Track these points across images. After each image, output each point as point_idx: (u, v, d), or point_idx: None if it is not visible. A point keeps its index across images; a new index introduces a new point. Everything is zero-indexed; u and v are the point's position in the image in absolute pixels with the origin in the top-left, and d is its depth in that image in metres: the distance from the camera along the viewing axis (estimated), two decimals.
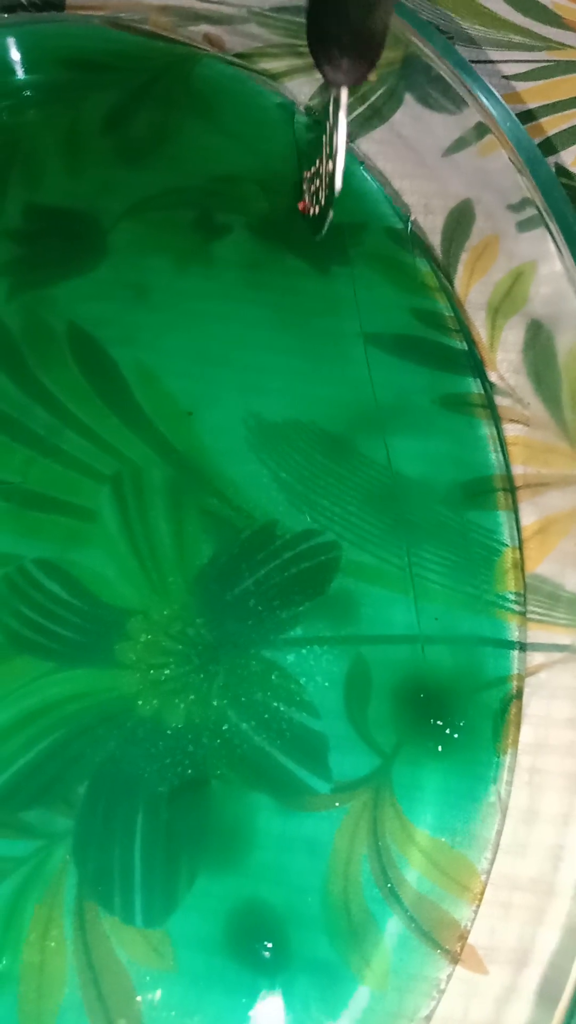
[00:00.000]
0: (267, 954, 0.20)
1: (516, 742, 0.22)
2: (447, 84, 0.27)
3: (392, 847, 0.21)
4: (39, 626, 0.23)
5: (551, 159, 0.31)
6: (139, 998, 0.20)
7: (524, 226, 0.25)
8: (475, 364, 0.27)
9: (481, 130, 0.26)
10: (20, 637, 0.23)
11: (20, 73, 0.31)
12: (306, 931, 0.20)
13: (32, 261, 0.27)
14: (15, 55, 0.31)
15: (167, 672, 0.22)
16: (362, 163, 0.30)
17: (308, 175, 0.28)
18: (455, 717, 0.22)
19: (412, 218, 0.29)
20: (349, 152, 0.30)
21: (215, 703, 0.22)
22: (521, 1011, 0.18)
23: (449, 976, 0.20)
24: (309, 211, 0.28)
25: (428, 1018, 0.19)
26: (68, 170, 0.29)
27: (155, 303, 0.27)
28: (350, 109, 0.31)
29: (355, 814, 0.21)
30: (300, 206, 0.28)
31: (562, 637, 0.23)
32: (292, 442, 0.25)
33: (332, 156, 0.23)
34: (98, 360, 0.26)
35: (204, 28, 0.32)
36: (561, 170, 0.31)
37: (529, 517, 0.25)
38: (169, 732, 0.22)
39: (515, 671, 0.23)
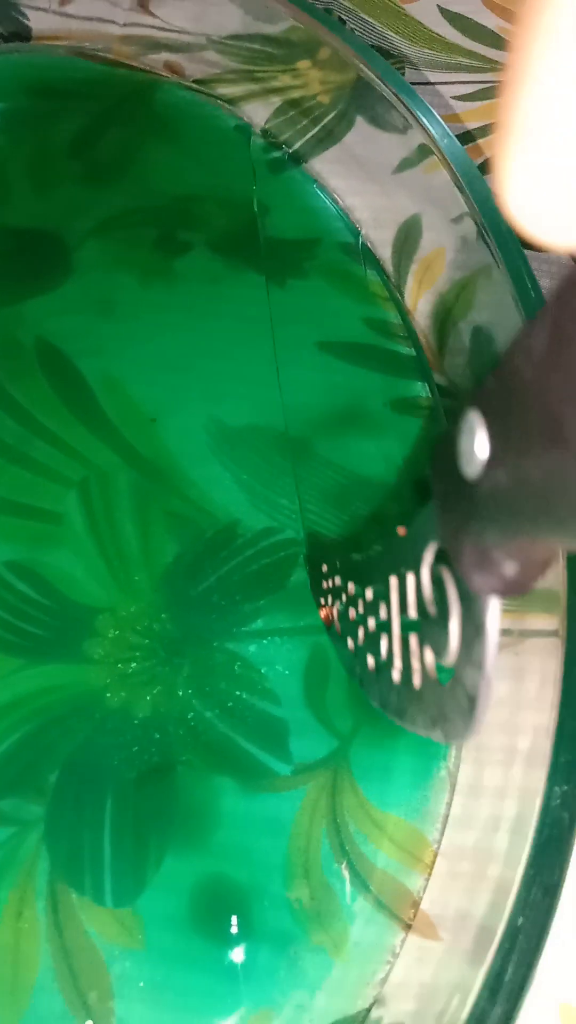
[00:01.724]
0: (233, 929, 0.21)
1: None
2: (392, 106, 0.28)
3: (350, 824, 0.22)
4: (9, 624, 0.24)
5: (490, 176, 0.33)
6: (110, 974, 0.21)
7: (466, 239, 0.27)
8: (423, 369, 0.28)
9: (424, 150, 0.28)
10: None
11: None
12: (270, 906, 0.21)
13: (0, 279, 0.29)
14: None
15: (134, 665, 0.23)
16: (315, 181, 0.32)
17: (331, 609, 0.22)
18: None
19: (363, 233, 0.31)
20: (301, 172, 0.32)
21: (180, 693, 0.23)
22: (456, 971, 0.19)
23: (403, 942, 0.21)
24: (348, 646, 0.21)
25: (383, 981, 0.20)
26: (35, 192, 0.30)
27: (120, 317, 0.28)
28: (303, 132, 0.32)
29: (315, 794, 0.22)
30: (324, 616, 0.23)
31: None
32: (252, 445, 0.27)
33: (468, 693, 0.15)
34: (65, 372, 0.27)
35: (165, 56, 0.34)
36: None
37: None
38: (136, 722, 0.23)
39: None
